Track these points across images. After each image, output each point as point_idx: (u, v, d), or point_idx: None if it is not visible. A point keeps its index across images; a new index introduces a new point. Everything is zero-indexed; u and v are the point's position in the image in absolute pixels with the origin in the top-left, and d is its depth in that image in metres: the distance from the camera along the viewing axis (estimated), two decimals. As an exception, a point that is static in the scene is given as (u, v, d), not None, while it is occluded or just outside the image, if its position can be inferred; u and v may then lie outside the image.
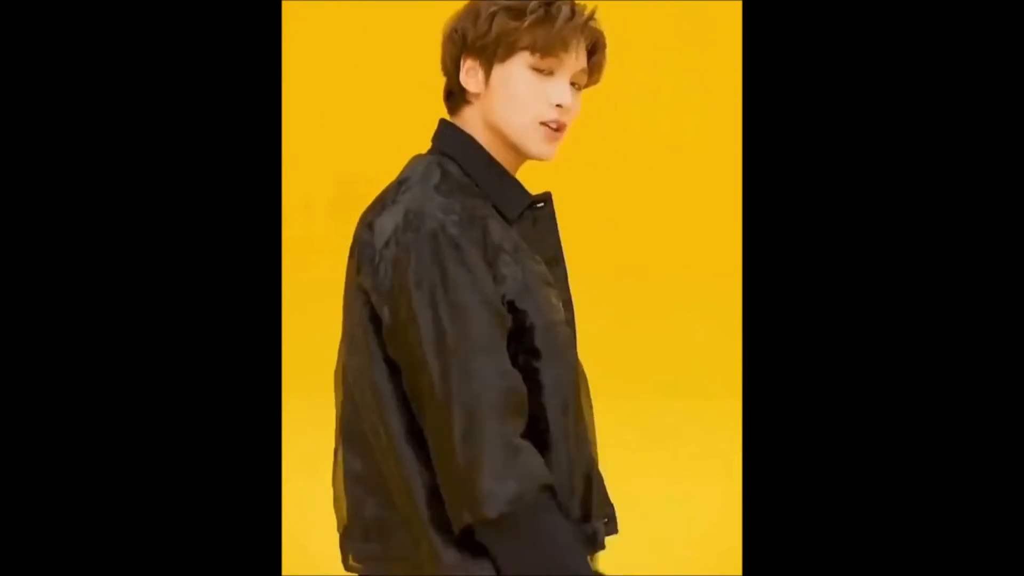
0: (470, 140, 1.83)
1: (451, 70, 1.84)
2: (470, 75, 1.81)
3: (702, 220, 5.09)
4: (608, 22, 1.89)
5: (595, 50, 1.83)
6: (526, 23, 1.75)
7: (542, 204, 1.87)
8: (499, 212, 1.81)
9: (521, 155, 1.83)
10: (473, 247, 1.71)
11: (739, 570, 1.97)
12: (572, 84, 1.82)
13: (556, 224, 1.89)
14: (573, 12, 1.78)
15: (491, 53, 1.78)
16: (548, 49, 1.76)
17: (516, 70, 1.78)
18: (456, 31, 1.82)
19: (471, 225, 1.73)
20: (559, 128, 1.80)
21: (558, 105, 1.78)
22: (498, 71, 1.79)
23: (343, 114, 5.10)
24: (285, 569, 2.05)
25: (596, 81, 1.87)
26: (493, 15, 1.77)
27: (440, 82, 1.92)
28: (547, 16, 1.75)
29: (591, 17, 1.81)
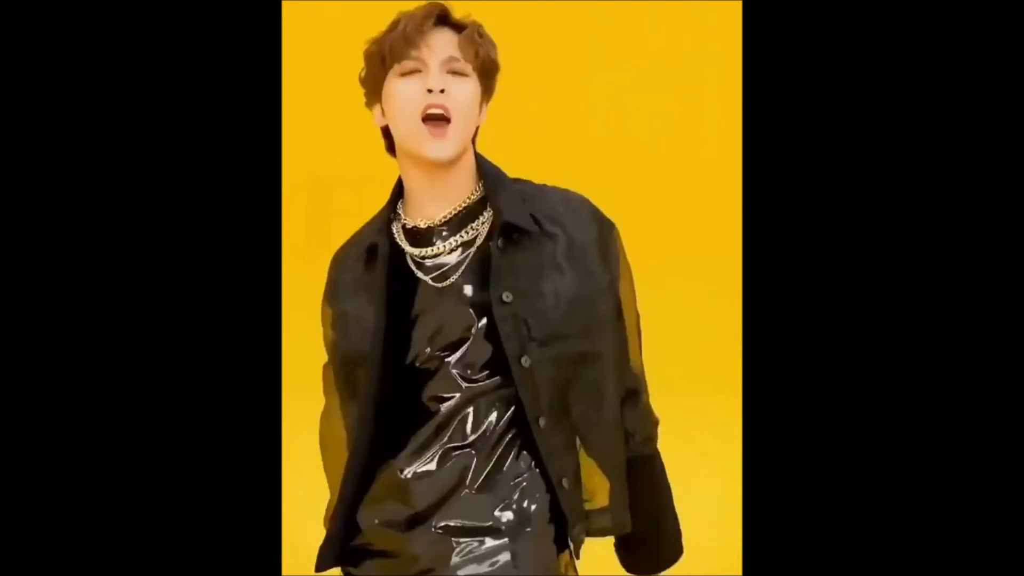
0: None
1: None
2: (376, 115, 1.91)
3: (702, 218, 5.09)
4: (608, 22, 1.90)
5: (461, 31, 1.86)
6: (376, 42, 1.86)
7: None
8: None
9: (424, 166, 1.87)
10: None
11: (739, 570, 1.97)
12: (452, 73, 1.85)
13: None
14: (416, 13, 1.85)
15: (373, 86, 1.88)
16: (399, 53, 1.84)
17: (389, 85, 1.86)
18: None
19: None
20: (440, 119, 1.82)
21: (428, 90, 1.82)
22: (384, 97, 1.87)
23: (343, 114, 5.07)
24: (285, 569, 2.05)
25: (484, 58, 1.87)
26: (364, 55, 1.88)
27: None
28: (393, 27, 1.86)
29: (433, 11, 1.84)
